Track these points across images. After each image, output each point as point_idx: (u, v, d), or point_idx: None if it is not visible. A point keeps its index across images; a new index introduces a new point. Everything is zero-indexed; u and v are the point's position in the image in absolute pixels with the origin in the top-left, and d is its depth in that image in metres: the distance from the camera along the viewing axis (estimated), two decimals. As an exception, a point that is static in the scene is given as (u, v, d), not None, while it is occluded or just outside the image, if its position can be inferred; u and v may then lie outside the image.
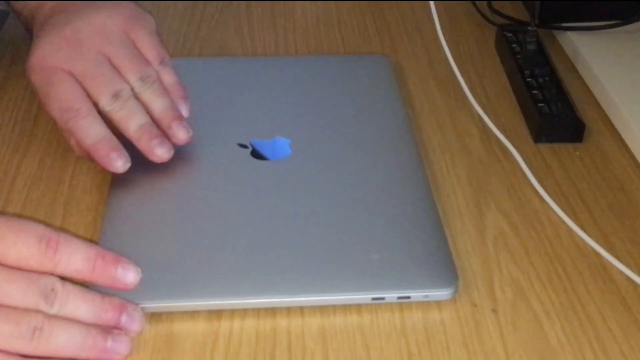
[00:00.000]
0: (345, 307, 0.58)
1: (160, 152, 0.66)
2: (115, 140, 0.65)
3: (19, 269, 0.51)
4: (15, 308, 0.49)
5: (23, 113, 0.78)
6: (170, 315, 0.57)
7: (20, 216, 0.66)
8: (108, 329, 0.53)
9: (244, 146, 0.70)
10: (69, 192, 0.69)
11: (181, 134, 0.67)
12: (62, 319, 0.51)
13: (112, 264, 0.54)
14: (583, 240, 0.65)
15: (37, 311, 0.50)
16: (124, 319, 0.53)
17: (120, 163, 0.64)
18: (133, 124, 0.65)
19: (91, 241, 0.63)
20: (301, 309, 0.58)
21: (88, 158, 0.67)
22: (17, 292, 0.50)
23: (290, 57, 0.89)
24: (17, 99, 0.80)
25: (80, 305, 0.52)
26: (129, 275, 0.54)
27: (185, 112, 0.69)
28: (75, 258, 0.52)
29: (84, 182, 0.70)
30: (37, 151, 0.73)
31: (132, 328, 0.54)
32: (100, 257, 0.53)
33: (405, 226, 0.64)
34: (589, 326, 0.58)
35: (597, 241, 0.64)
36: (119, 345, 0.53)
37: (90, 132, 0.64)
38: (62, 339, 0.50)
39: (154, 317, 0.57)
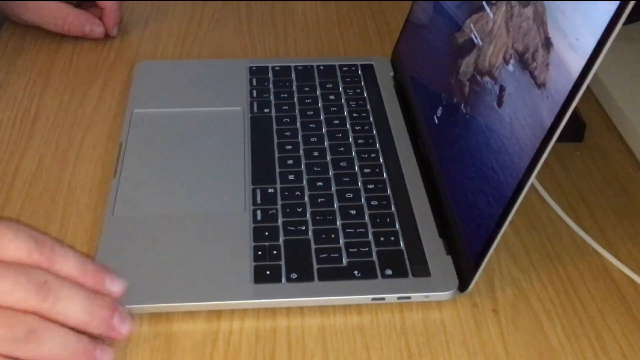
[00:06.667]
0: (345, 307, 0.58)
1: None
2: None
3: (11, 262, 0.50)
4: (8, 309, 0.49)
5: (22, 113, 0.78)
6: (169, 315, 0.57)
7: (19, 216, 0.66)
8: (96, 339, 0.52)
9: None
10: (68, 192, 0.68)
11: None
12: (56, 324, 0.50)
13: (102, 270, 0.54)
14: (583, 240, 0.65)
15: (32, 312, 0.49)
16: (116, 319, 0.53)
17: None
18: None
19: (91, 242, 0.63)
20: (301, 309, 0.58)
21: None
22: (7, 283, 0.49)
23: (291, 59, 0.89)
24: (17, 99, 0.80)
25: (75, 299, 0.51)
26: (116, 284, 0.54)
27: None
28: (70, 260, 0.52)
29: (83, 182, 0.70)
30: (36, 151, 0.73)
31: (122, 330, 0.53)
32: (90, 263, 0.54)
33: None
34: (589, 326, 0.57)
35: (597, 241, 0.64)
36: (106, 356, 0.52)
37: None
38: (57, 343, 0.49)
39: (153, 317, 0.57)
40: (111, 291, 0.54)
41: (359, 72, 0.83)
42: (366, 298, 0.58)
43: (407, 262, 0.60)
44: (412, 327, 0.57)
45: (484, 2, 0.65)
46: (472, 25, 0.66)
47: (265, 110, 0.77)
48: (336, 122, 0.76)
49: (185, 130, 0.74)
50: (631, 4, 0.47)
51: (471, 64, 0.65)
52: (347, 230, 0.63)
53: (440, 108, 0.69)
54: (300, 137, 0.73)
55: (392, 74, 0.83)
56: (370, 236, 0.62)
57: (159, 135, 0.74)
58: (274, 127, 0.75)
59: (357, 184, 0.68)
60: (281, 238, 0.62)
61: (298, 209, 0.65)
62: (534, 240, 0.65)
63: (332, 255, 0.61)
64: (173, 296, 0.57)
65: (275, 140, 0.73)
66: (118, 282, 0.54)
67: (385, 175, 0.69)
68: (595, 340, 0.56)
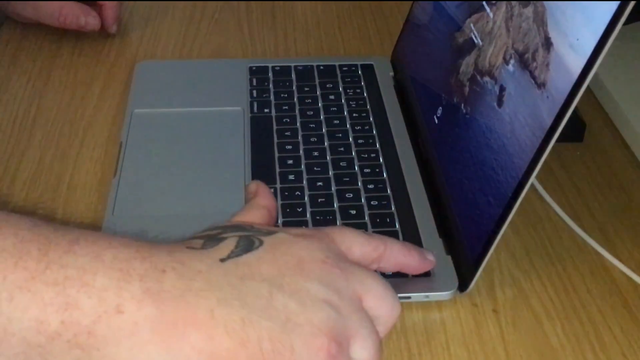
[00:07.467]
0: (345, 307, 0.58)
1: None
2: None
3: (358, 261, 0.51)
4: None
5: (22, 113, 0.78)
6: (169, 315, 0.57)
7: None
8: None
9: None
10: (68, 192, 0.69)
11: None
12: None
13: (414, 246, 0.56)
14: (583, 240, 0.65)
15: None
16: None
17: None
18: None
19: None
20: (301, 309, 0.58)
21: None
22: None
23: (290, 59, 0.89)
24: (17, 98, 0.80)
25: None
26: (430, 255, 0.57)
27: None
28: (394, 240, 0.54)
29: (83, 182, 0.70)
30: (36, 151, 0.73)
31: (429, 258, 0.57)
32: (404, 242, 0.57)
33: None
34: (589, 326, 0.57)
35: (597, 241, 0.64)
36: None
37: None
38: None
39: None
40: (431, 261, 0.56)
41: (359, 72, 0.83)
42: (366, 298, 0.58)
43: (407, 262, 0.60)
44: (412, 327, 0.57)
45: (484, 2, 0.65)
46: (472, 25, 0.66)
47: (265, 110, 0.77)
48: (336, 122, 0.76)
49: (186, 130, 0.74)
50: (631, 4, 0.47)
51: (471, 64, 0.65)
52: (347, 230, 0.63)
53: (440, 108, 0.69)
54: (300, 137, 0.73)
55: (392, 74, 0.83)
56: (370, 236, 0.62)
57: (159, 135, 0.74)
58: (274, 127, 0.75)
59: (357, 184, 0.68)
60: (281, 238, 0.62)
61: (298, 209, 0.65)
62: (534, 240, 0.65)
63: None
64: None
65: (275, 140, 0.73)
66: (430, 253, 0.57)
67: (385, 175, 0.69)
68: (595, 340, 0.56)
